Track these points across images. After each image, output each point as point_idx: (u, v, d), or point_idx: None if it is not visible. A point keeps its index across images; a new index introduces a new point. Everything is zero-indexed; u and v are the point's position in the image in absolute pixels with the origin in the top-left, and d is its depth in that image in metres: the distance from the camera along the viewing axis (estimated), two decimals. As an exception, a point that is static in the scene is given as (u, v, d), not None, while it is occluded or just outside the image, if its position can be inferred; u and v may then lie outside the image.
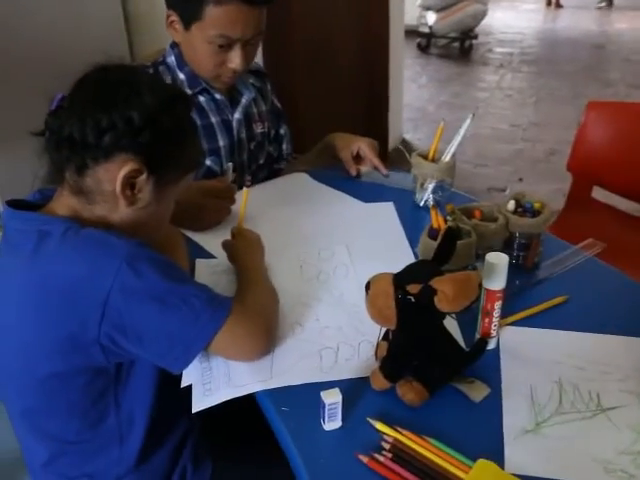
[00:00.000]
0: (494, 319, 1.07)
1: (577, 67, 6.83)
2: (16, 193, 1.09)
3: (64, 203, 1.02)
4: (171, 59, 1.65)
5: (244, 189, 1.32)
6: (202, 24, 1.49)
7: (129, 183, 0.98)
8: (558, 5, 10.25)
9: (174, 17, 1.55)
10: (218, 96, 1.67)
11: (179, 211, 1.15)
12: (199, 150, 1.10)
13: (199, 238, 1.43)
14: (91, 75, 1.01)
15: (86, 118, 0.95)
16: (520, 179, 4.13)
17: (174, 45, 1.65)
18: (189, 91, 1.63)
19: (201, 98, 1.65)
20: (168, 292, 0.95)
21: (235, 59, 1.54)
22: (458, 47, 7.72)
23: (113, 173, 0.97)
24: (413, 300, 0.91)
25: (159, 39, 1.70)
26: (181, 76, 1.64)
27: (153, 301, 0.93)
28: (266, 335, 1.06)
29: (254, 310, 1.05)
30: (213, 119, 1.66)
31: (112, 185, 0.97)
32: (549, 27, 9.36)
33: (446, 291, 0.89)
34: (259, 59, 2.92)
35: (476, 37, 7.70)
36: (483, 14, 7.59)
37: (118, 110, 0.96)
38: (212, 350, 1.02)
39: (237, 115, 1.70)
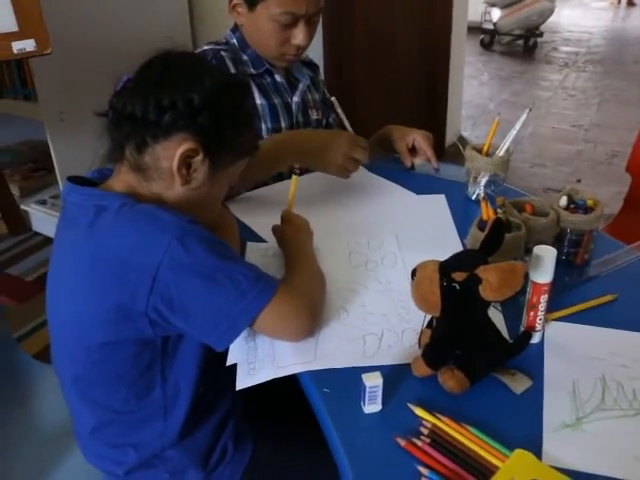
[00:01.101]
0: (539, 313, 1.06)
1: (646, 68, 6.64)
2: (78, 172, 1.14)
3: (122, 179, 1.06)
4: (233, 42, 1.70)
5: (293, 177, 1.34)
6: (267, 3, 1.55)
7: (185, 162, 1.02)
8: (630, 3, 9.97)
9: (237, 0, 1.60)
10: (279, 78, 1.72)
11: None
12: (255, 137, 1.14)
13: (250, 221, 1.46)
14: (156, 59, 1.06)
15: (149, 97, 1.00)
16: (578, 180, 4.05)
17: (235, 30, 1.71)
18: (253, 71, 1.69)
19: (264, 80, 1.70)
20: (216, 269, 0.97)
21: (299, 35, 1.59)
22: (522, 45, 7.60)
23: (171, 151, 1.01)
24: (458, 288, 0.92)
25: (221, 27, 1.76)
26: (244, 57, 1.69)
27: (201, 277, 0.96)
28: (311, 315, 1.07)
29: (300, 290, 1.07)
30: (276, 100, 1.72)
31: (169, 163, 1.01)
32: (618, 26, 9.12)
33: (490, 280, 0.89)
34: (320, 52, 2.96)
35: (541, 35, 7.57)
36: (550, 12, 7.45)
37: (179, 91, 1.00)
38: (257, 328, 1.04)
39: (296, 99, 1.75)
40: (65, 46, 2.24)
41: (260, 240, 1.39)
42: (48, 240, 3.15)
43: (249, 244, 1.36)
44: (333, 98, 1.68)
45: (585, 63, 6.97)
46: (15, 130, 3.45)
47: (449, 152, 4.02)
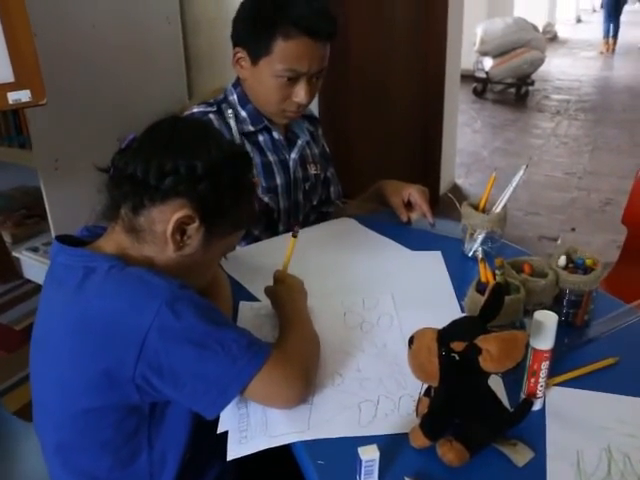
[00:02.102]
0: (540, 379, 1.03)
1: (636, 116, 6.72)
2: (71, 219, 1.12)
3: (114, 240, 1.04)
4: (233, 97, 1.70)
5: (292, 239, 1.30)
6: (270, 58, 1.54)
7: (180, 228, 1.00)
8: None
9: (241, 54, 1.60)
10: (276, 135, 1.71)
11: None
12: (252, 210, 1.12)
13: (243, 279, 1.43)
14: (164, 122, 1.06)
15: (152, 160, 0.99)
16: (573, 229, 4.05)
17: (236, 85, 1.70)
18: (252, 128, 1.67)
19: (260, 137, 1.69)
20: (206, 335, 0.94)
21: (300, 93, 1.58)
22: (514, 93, 7.71)
23: (167, 215, 0.99)
24: (457, 358, 0.89)
25: (218, 76, 1.75)
26: (243, 113, 1.68)
27: (191, 344, 0.93)
28: (304, 383, 1.04)
29: (293, 357, 1.04)
30: (271, 158, 1.70)
31: (164, 227, 0.99)
32: (607, 75, 9.28)
33: (491, 350, 0.87)
34: (315, 101, 2.97)
35: (532, 83, 7.68)
36: (541, 61, 7.58)
37: (183, 157, 0.99)
38: (248, 395, 1.01)
39: (294, 155, 1.73)
40: (61, 96, 2.24)
41: (253, 299, 1.36)
42: (39, 288, 3.09)
43: (242, 303, 1.33)
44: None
45: (576, 111, 7.05)
46: (8, 176, 3.43)
47: (443, 200, 4.02)
